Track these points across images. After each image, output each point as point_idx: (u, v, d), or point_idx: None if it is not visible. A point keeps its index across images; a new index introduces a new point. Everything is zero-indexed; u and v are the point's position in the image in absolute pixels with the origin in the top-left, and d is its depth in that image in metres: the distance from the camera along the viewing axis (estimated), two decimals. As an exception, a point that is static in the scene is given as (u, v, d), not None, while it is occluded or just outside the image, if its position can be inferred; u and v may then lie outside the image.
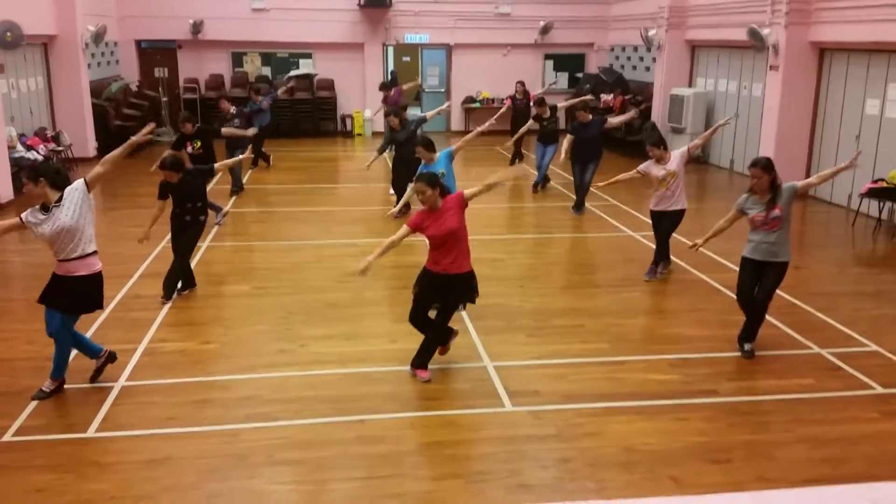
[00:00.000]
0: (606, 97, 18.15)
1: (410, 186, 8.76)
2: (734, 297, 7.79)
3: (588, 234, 10.57)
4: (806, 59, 12.50)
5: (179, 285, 7.72)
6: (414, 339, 6.71)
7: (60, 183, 5.46)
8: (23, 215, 5.49)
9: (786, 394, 5.79)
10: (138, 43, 19.27)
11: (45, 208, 5.44)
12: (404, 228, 5.84)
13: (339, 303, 7.64)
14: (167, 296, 7.57)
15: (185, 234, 7.58)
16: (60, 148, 14.41)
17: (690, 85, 16.68)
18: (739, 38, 13.51)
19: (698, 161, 16.02)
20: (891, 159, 11.01)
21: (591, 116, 11.26)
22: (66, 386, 5.77)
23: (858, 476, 4.71)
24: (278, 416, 5.37)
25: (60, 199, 5.42)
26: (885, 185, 10.63)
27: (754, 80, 14.40)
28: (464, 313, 7.26)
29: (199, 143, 10.22)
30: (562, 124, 15.56)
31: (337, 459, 4.88)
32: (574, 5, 20.14)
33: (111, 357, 5.94)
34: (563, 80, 20.59)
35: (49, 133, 14.43)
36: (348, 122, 20.21)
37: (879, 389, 5.87)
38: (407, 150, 10.52)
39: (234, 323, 7.17)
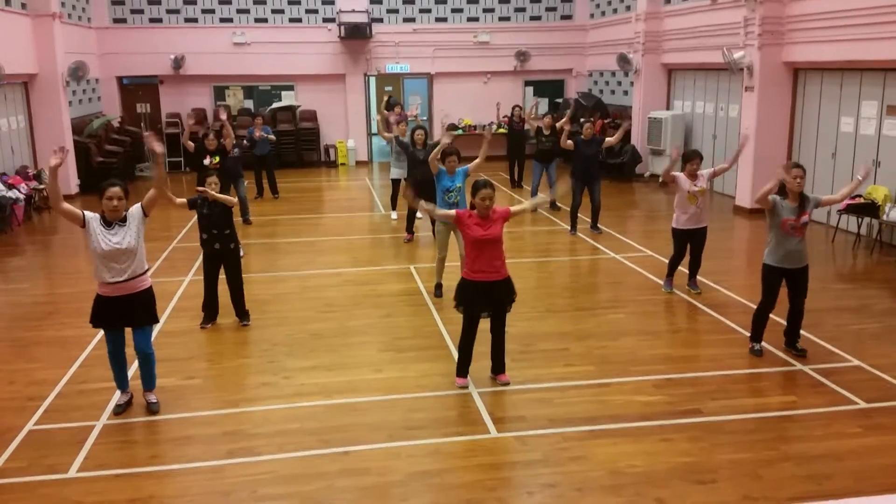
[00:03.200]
0: (586, 122, 18.31)
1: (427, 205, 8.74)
2: (716, 316, 7.90)
3: (571, 258, 10.62)
4: (780, 80, 12.71)
5: (202, 321, 7.80)
6: (398, 368, 6.72)
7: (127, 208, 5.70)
8: (87, 213, 5.56)
9: (769, 411, 5.80)
10: (120, 79, 19.33)
11: (107, 223, 5.55)
12: (453, 211, 6.20)
13: (323, 333, 7.62)
14: (245, 319, 7.85)
15: (228, 268, 7.67)
16: (42, 186, 14.35)
17: (668, 107, 16.91)
18: (715, 60, 13.74)
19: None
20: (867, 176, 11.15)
21: (592, 134, 11.47)
22: (45, 426, 5.73)
23: (844, 492, 4.70)
24: (262, 451, 5.32)
25: (124, 220, 5.60)
26: (862, 201, 10.77)
27: (731, 101, 14.61)
28: (448, 339, 7.27)
29: (217, 159, 10.31)
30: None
31: (322, 493, 4.83)
32: (552, 32, 20.45)
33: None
34: (543, 105, 20.82)
35: (31, 171, 14.40)
36: (332, 152, 20.29)
37: (862, 404, 5.90)
38: (422, 171, 10.49)
39: (217, 357, 7.13)
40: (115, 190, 5.54)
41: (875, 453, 5.18)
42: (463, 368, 6.35)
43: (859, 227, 10.90)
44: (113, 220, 5.58)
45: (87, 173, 15.83)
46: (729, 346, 7.14)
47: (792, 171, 6.61)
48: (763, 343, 7.10)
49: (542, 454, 5.23)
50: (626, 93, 18.44)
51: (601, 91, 19.82)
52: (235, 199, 7.75)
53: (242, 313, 7.87)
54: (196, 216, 7.65)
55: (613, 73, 19.02)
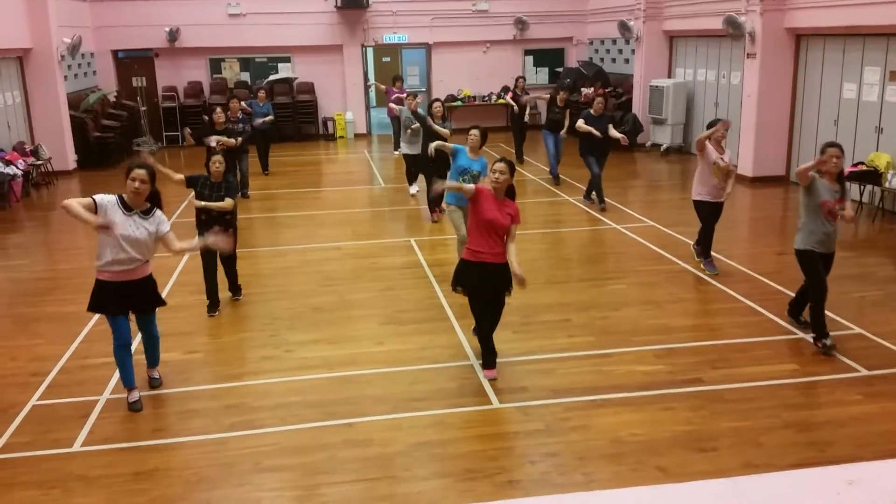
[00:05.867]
0: (587, 91, 18.17)
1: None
2: (718, 285, 7.89)
3: (572, 229, 10.59)
4: (783, 46, 12.57)
5: (209, 308, 7.53)
6: (400, 341, 6.73)
7: (155, 198, 5.55)
8: (97, 197, 5.33)
9: (771, 380, 5.81)
10: (115, 53, 19.12)
11: (128, 208, 5.42)
12: (473, 186, 5.85)
13: (324, 307, 7.62)
14: (237, 294, 7.81)
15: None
16: (40, 162, 14.28)
17: (669, 76, 16.74)
18: (716, 27, 13.56)
19: (680, 151, 16.08)
20: (869, 142, 11.09)
21: (602, 109, 11.22)
22: (48, 401, 5.75)
23: (845, 458, 4.71)
24: (265, 423, 5.34)
25: (148, 212, 5.47)
26: (864, 168, 10.70)
27: (732, 68, 14.46)
28: (449, 312, 7.27)
29: (226, 136, 10.26)
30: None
31: (326, 464, 4.86)
32: (551, 0, 20.17)
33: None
34: (543, 74, 20.64)
35: (28, 147, 14.31)
36: (330, 124, 20.14)
37: (864, 372, 5.90)
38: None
39: (219, 331, 7.13)
40: (140, 172, 5.35)
41: (877, 420, 5.20)
42: (489, 359, 6.02)
43: (861, 194, 10.84)
44: (134, 207, 5.41)
45: (84, 148, 15.74)
46: (731, 315, 7.13)
47: (828, 150, 6.04)
48: (764, 311, 7.10)
49: (544, 424, 5.25)
50: (627, 61, 18.25)
51: (602, 59, 19.60)
52: (230, 204, 7.33)
53: (235, 288, 7.84)
54: (193, 194, 7.41)
55: (614, 41, 18.81)
